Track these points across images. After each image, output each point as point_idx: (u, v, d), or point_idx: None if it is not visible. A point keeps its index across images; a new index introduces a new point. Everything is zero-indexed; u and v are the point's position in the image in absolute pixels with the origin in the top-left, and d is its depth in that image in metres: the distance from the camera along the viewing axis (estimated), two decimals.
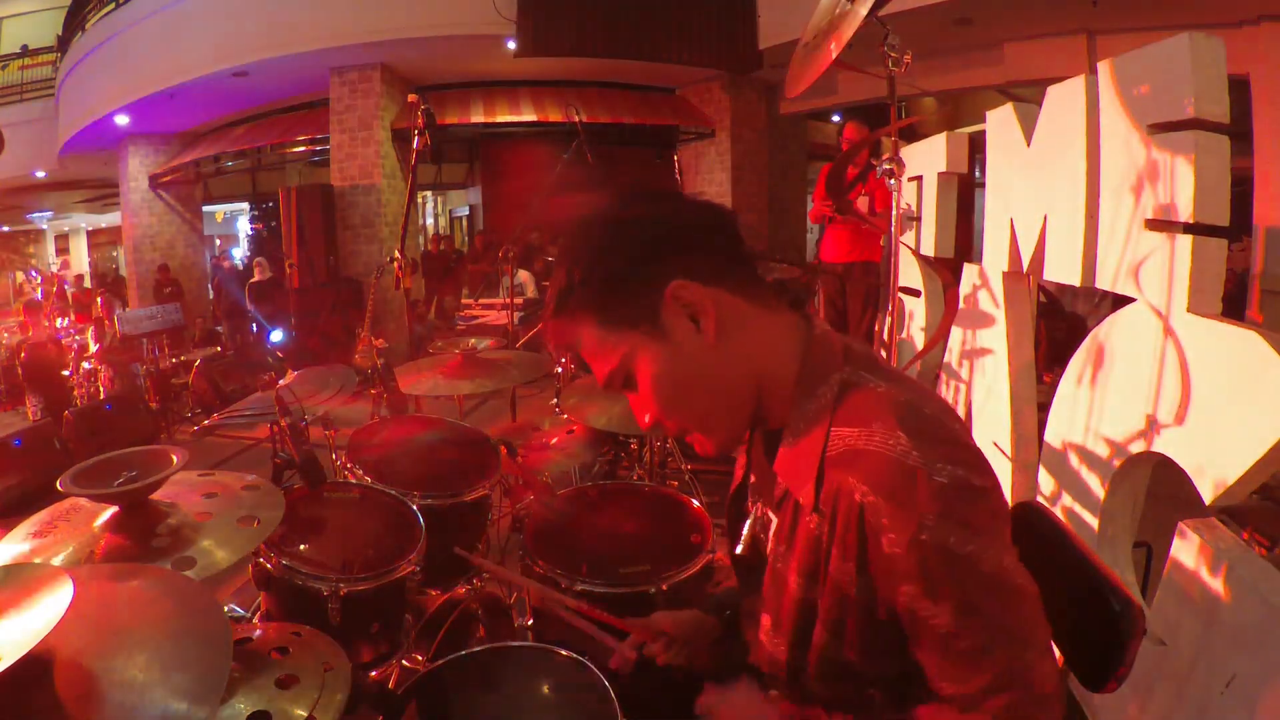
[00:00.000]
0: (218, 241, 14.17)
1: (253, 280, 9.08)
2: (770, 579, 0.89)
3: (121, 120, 9.15)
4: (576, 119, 3.59)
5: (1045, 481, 2.32)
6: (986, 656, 0.75)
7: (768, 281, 0.89)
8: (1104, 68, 1.97)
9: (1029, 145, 2.45)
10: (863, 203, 4.11)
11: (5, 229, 15.24)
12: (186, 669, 0.81)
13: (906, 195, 3.63)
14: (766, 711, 0.94)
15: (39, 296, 9.11)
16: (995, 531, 0.76)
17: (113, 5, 8.53)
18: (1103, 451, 1.98)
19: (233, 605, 1.89)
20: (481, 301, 7.89)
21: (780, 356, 0.86)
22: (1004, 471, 2.56)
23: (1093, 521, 2.01)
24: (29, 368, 6.22)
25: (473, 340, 2.61)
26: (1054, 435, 2.26)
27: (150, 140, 9.98)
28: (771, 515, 0.90)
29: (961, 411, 2.95)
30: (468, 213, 13.45)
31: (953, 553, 0.73)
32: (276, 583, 1.52)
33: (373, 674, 1.58)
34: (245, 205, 13.80)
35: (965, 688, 0.77)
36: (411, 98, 2.69)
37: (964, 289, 2.95)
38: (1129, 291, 1.90)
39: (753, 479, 0.98)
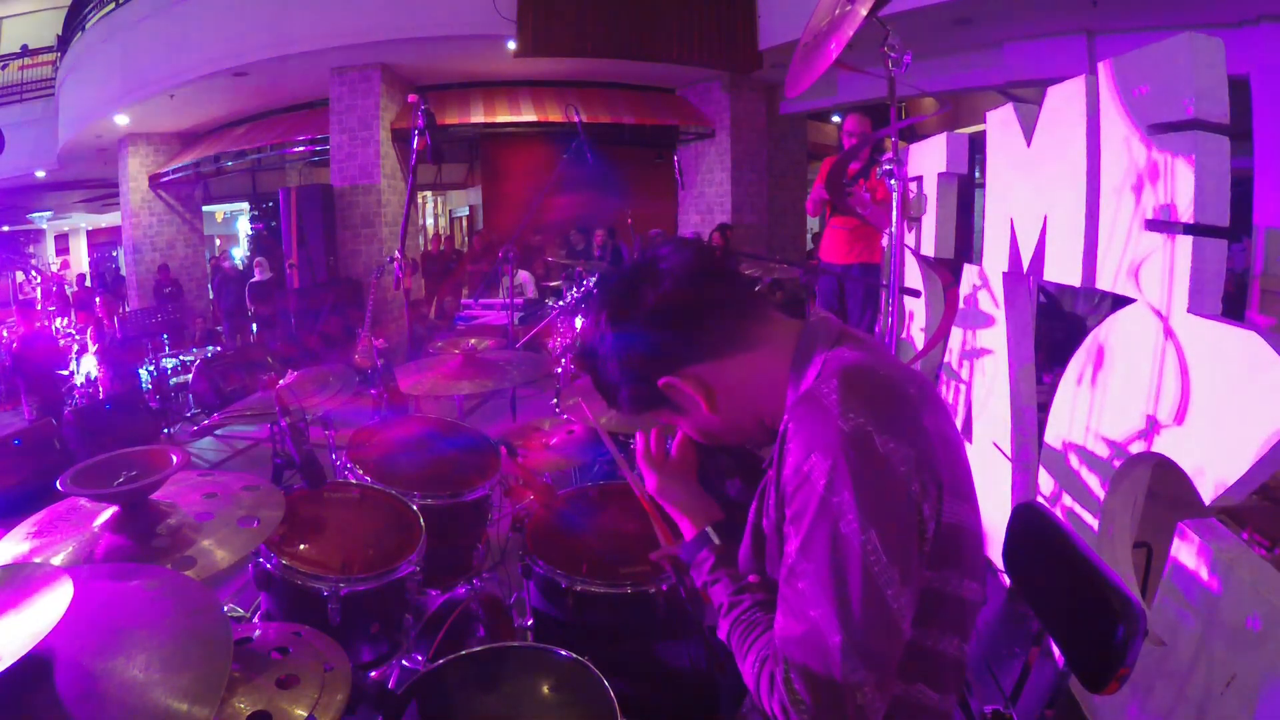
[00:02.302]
0: (218, 241, 14.17)
1: (253, 280, 9.09)
2: (749, 535, 0.97)
3: (121, 120, 9.15)
4: (576, 119, 3.59)
5: (1045, 481, 2.32)
6: (811, 607, 0.76)
7: (757, 300, 0.96)
8: (1104, 68, 1.97)
9: (1029, 145, 2.44)
10: (862, 197, 4.05)
11: (5, 229, 15.24)
12: (186, 669, 0.81)
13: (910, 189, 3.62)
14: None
15: (37, 296, 9.11)
16: (877, 504, 0.75)
17: (113, 5, 8.54)
18: (1103, 451, 1.98)
19: (233, 605, 1.89)
20: (481, 301, 7.89)
21: (776, 378, 0.93)
22: (1004, 471, 2.56)
23: (1093, 521, 2.01)
24: (23, 368, 6.21)
25: (473, 340, 2.60)
26: (1054, 435, 2.26)
27: (150, 140, 9.98)
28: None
29: (961, 412, 2.95)
30: (468, 213, 13.45)
31: (821, 495, 0.76)
32: (276, 583, 1.52)
33: (373, 674, 1.58)
34: (245, 205, 13.81)
35: (781, 628, 0.79)
36: (411, 98, 2.69)
37: (964, 289, 2.95)
38: (1129, 292, 1.90)
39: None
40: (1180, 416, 1.66)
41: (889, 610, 0.75)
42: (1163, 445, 1.72)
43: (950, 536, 0.82)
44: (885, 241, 3.68)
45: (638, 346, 0.93)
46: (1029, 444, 2.53)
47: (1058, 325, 4.70)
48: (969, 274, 2.95)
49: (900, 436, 0.77)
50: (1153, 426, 1.76)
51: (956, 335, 3.05)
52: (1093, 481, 2.03)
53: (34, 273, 11.57)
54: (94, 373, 6.39)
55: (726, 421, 0.96)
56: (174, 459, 1.28)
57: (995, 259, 2.71)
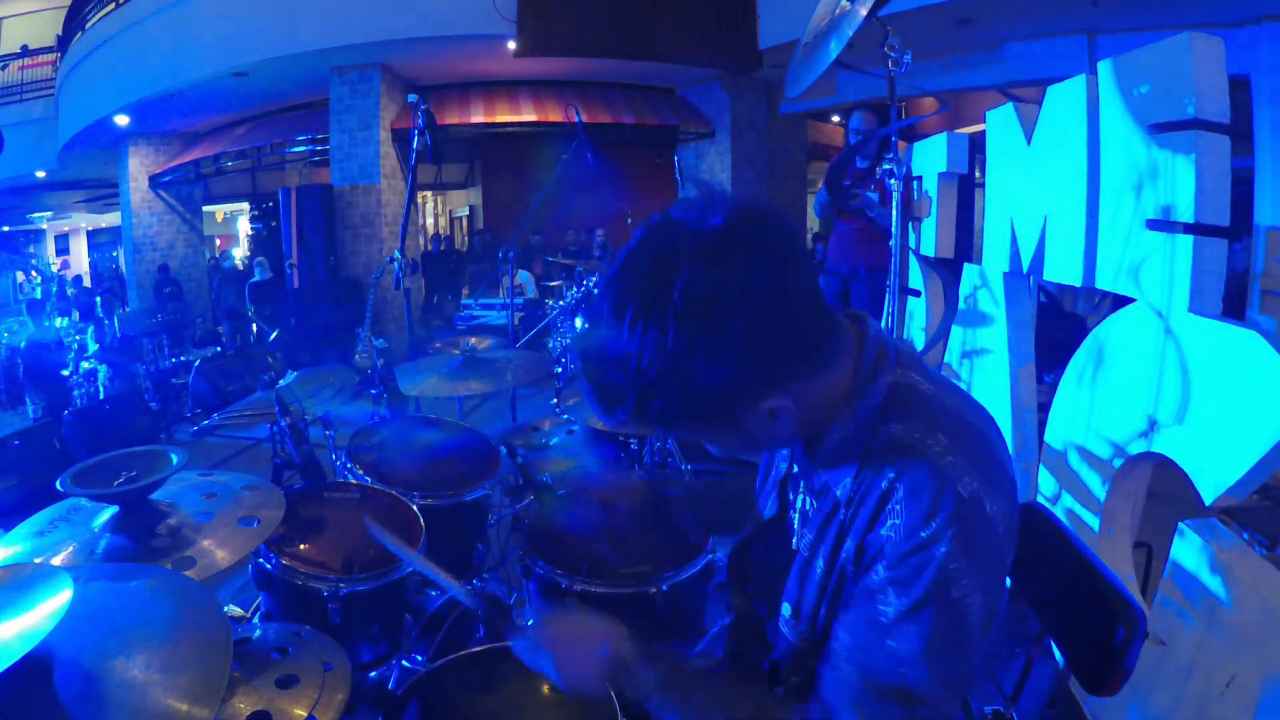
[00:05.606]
0: (218, 241, 14.17)
1: (253, 280, 9.08)
2: (797, 566, 0.93)
3: (121, 120, 9.14)
4: (576, 119, 3.59)
5: (1045, 481, 2.32)
6: (901, 665, 0.78)
7: (823, 307, 0.82)
8: (1104, 68, 1.97)
9: (1029, 145, 2.45)
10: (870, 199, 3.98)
11: (5, 229, 15.23)
12: (186, 669, 0.81)
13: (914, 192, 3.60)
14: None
15: (39, 296, 9.11)
16: (982, 566, 0.77)
17: (113, 5, 8.53)
18: (1103, 451, 1.98)
19: (233, 605, 1.89)
20: (481, 301, 7.89)
21: (837, 391, 0.85)
22: None
23: (1093, 521, 2.01)
24: (29, 367, 6.22)
25: (473, 340, 2.60)
26: (1054, 435, 2.26)
27: (150, 140, 9.97)
28: (813, 502, 0.93)
29: None
30: (468, 213, 13.45)
31: (940, 564, 0.76)
32: (276, 583, 1.52)
33: (373, 674, 1.58)
34: (245, 205, 13.80)
35: (864, 681, 0.79)
36: (411, 98, 2.69)
37: (964, 289, 2.95)
38: (1129, 291, 1.90)
39: (795, 469, 1.01)
40: (1180, 416, 1.66)
41: (973, 656, 0.79)
42: (1163, 445, 1.72)
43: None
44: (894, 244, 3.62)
45: (746, 352, 0.73)
46: (1029, 444, 2.53)
47: (1058, 325, 4.69)
48: (969, 273, 2.95)
49: (1002, 495, 0.80)
50: (1153, 426, 1.76)
51: (956, 335, 3.04)
52: (1093, 481, 2.03)
53: (34, 273, 11.57)
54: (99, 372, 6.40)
55: (787, 437, 0.87)
56: (174, 459, 1.28)
57: (995, 259, 2.71)
